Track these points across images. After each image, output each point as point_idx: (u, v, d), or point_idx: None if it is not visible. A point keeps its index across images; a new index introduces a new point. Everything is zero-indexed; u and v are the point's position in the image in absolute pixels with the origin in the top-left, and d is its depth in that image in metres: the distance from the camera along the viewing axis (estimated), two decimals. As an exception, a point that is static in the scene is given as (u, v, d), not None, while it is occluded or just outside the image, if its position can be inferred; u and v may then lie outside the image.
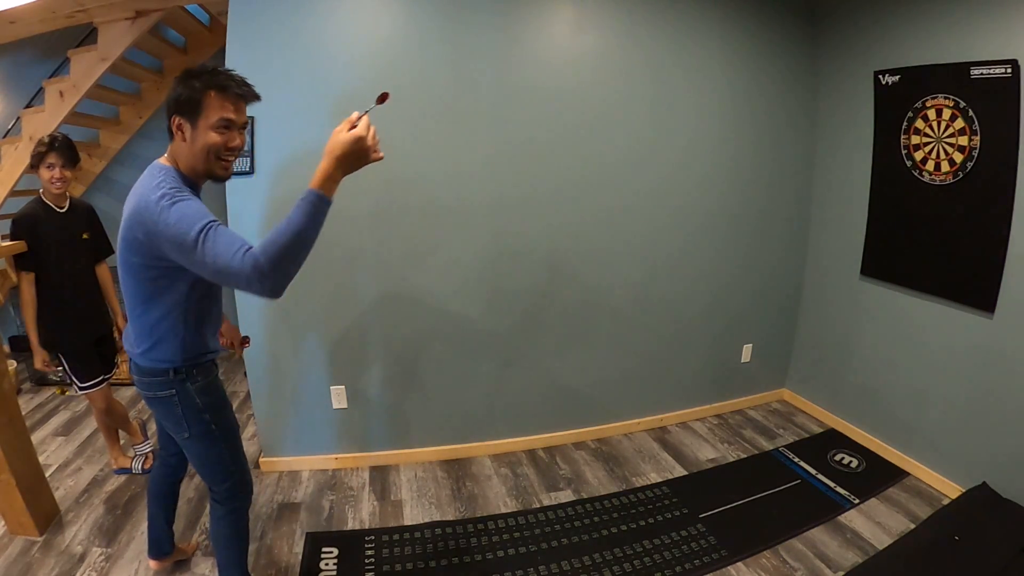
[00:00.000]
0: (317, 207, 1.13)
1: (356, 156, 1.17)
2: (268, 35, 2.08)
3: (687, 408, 3.02)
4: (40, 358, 2.15)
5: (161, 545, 1.81)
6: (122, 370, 2.74)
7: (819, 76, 2.81)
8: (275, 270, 1.10)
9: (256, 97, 1.31)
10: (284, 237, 1.10)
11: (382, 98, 1.24)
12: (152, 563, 1.83)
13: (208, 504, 1.60)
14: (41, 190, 2.13)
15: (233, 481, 1.54)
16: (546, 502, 2.30)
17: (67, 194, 2.18)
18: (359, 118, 1.18)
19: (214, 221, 1.16)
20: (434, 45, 2.22)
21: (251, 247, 1.12)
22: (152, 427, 2.76)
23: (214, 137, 1.25)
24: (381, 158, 1.23)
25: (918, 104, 2.30)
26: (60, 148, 2.05)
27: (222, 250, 1.11)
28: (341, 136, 1.16)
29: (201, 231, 1.12)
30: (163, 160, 1.32)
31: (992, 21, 2.03)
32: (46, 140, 2.05)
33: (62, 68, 3.15)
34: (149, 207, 1.18)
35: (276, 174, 2.18)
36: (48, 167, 2.04)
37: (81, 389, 2.23)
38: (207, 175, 1.32)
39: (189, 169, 1.30)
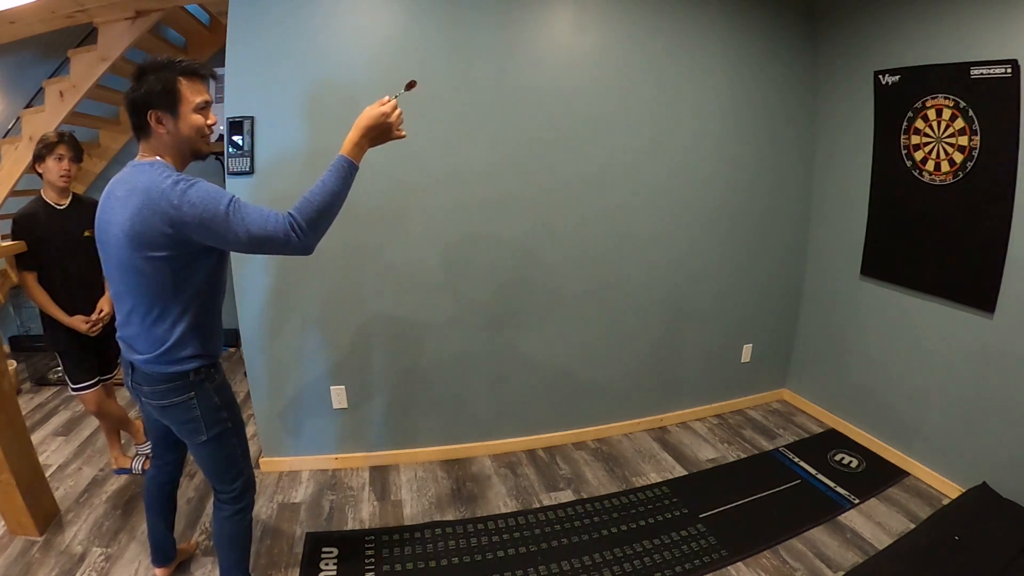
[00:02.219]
0: (347, 171, 1.30)
1: (380, 130, 1.34)
2: (268, 35, 2.08)
3: (687, 408, 3.02)
4: (81, 322, 2.12)
5: (165, 552, 1.79)
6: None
7: (819, 76, 2.81)
8: (311, 227, 1.24)
9: (214, 75, 1.37)
10: (318, 197, 1.25)
11: (410, 85, 1.42)
12: (157, 571, 1.81)
13: (212, 504, 1.58)
14: (42, 189, 2.13)
15: (244, 479, 1.54)
16: (546, 502, 2.30)
17: (69, 190, 2.18)
18: (388, 100, 1.34)
19: (234, 194, 1.24)
20: (434, 45, 2.21)
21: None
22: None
23: (198, 119, 1.32)
24: (403, 136, 1.40)
25: (918, 104, 2.30)
26: (70, 141, 2.07)
27: (254, 216, 1.22)
28: (370, 110, 1.33)
29: (228, 203, 1.21)
30: (147, 158, 1.30)
31: (992, 21, 2.03)
32: (54, 133, 2.07)
33: (62, 68, 3.15)
34: (166, 195, 1.19)
35: (275, 174, 2.18)
36: (57, 158, 2.05)
37: (74, 390, 2.21)
38: (193, 155, 1.37)
39: (176, 157, 1.33)
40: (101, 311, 2.20)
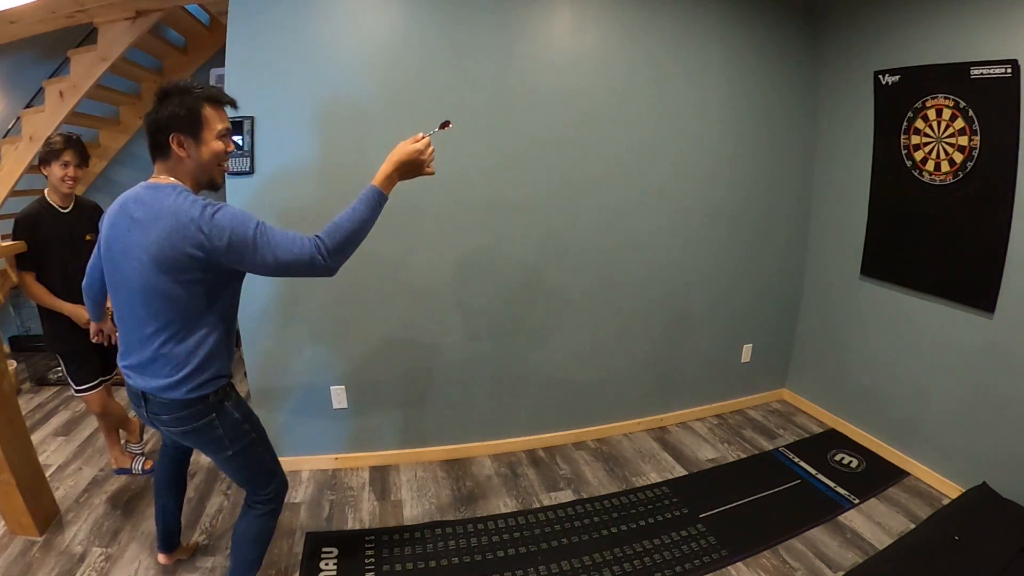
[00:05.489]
0: (377, 200, 1.35)
1: (412, 165, 1.39)
2: (268, 35, 2.08)
3: (687, 408, 3.02)
4: (84, 311, 2.02)
5: (172, 536, 1.82)
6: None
7: (819, 76, 2.81)
8: (338, 250, 1.28)
9: (234, 103, 1.38)
10: (347, 223, 1.29)
11: (444, 125, 1.49)
12: (162, 557, 1.83)
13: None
14: (45, 190, 2.13)
15: (277, 482, 1.56)
16: (546, 502, 2.30)
17: (73, 194, 2.17)
18: (423, 138, 1.41)
19: (260, 219, 1.26)
20: (434, 45, 2.21)
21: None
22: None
23: (219, 145, 1.33)
24: (432, 173, 1.45)
25: (918, 104, 2.30)
26: (76, 146, 2.05)
27: (281, 240, 1.24)
28: (404, 146, 1.39)
29: (256, 228, 1.23)
30: (164, 180, 1.29)
31: (992, 21, 2.03)
32: (61, 137, 2.04)
33: (62, 68, 3.15)
34: (196, 220, 1.19)
35: (275, 174, 2.18)
36: (63, 165, 2.03)
37: (77, 392, 2.21)
38: (208, 183, 1.37)
39: (194, 182, 1.33)
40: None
